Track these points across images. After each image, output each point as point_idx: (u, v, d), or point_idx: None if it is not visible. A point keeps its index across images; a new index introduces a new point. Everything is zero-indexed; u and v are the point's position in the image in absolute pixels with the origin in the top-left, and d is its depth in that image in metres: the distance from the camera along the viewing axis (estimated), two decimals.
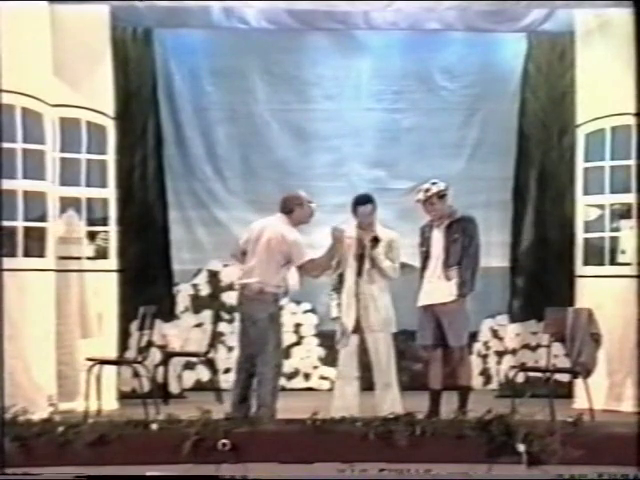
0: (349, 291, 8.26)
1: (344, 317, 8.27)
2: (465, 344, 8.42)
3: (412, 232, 8.75)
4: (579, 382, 8.57)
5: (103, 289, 9.22)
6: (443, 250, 8.29)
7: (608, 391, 8.80)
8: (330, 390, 8.79)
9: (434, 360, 8.40)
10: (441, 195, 8.35)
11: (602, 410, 8.37)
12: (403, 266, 8.43)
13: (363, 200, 8.34)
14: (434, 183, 8.37)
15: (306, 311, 10.47)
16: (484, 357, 10.36)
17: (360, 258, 8.26)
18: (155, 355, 9.73)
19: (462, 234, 8.28)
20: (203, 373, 10.12)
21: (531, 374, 9.23)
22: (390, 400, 8.04)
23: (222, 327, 10.26)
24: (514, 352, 10.23)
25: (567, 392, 8.96)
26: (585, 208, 9.32)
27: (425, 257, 8.42)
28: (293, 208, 7.79)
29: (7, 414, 7.07)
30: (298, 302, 10.41)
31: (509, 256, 10.37)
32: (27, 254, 8.23)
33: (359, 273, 8.25)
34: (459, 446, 6.74)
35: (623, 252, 8.97)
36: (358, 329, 8.24)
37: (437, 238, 8.36)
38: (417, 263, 8.58)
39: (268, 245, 7.62)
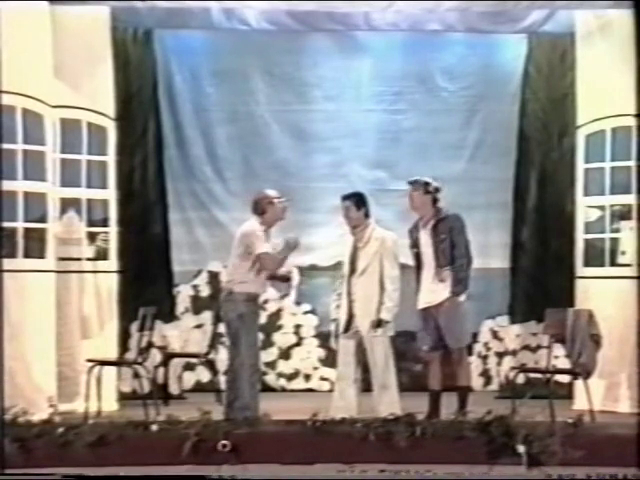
0: (342, 291, 8.29)
1: (339, 317, 8.29)
2: (465, 345, 8.41)
3: None
4: (579, 383, 8.56)
5: (103, 290, 9.22)
6: (432, 252, 8.25)
7: (606, 392, 8.80)
8: (330, 391, 8.78)
9: (433, 361, 8.39)
10: (427, 190, 8.33)
11: (600, 411, 8.36)
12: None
13: (343, 197, 8.36)
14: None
15: (306, 312, 10.47)
16: (484, 358, 10.36)
17: (353, 258, 8.26)
18: (155, 356, 9.73)
19: (449, 233, 8.23)
20: (203, 374, 10.12)
21: (531, 375, 9.25)
22: (387, 402, 8.01)
23: (222, 328, 10.20)
24: (514, 353, 10.23)
25: (567, 393, 8.96)
26: (585, 209, 9.31)
27: (417, 259, 8.40)
28: (265, 208, 7.89)
29: (7, 415, 7.09)
30: (298, 303, 10.42)
31: (509, 257, 10.36)
32: (27, 255, 8.23)
33: (352, 273, 8.26)
34: (459, 447, 6.75)
35: (623, 253, 8.96)
36: (349, 329, 8.24)
37: (425, 240, 8.32)
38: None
39: (235, 246, 7.82)
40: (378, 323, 8.13)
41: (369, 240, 8.25)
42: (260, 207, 7.90)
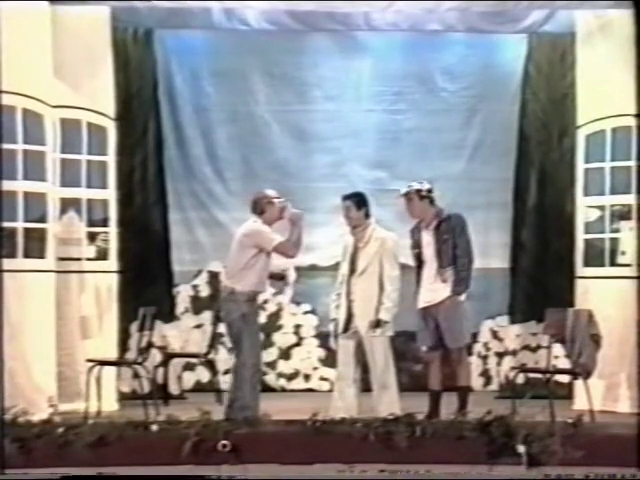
0: (341, 291, 8.30)
1: (339, 317, 8.30)
2: (464, 345, 8.42)
3: None
4: (579, 383, 8.56)
5: (103, 290, 9.22)
6: (435, 252, 8.26)
7: (606, 392, 8.80)
8: (330, 391, 8.78)
9: (433, 361, 8.39)
10: (422, 196, 8.33)
11: (600, 411, 8.36)
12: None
13: (344, 197, 8.38)
14: (420, 183, 8.38)
15: (306, 312, 10.46)
16: (484, 358, 10.35)
17: (353, 258, 8.27)
18: (155, 356, 9.72)
19: (451, 233, 8.24)
20: (203, 374, 10.12)
21: (531, 375, 9.23)
22: (387, 401, 8.01)
23: (222, 328, 10.19)
24: (514, 353, 10.23)
25: (567, 393, 8.96)
26: (585, 209, 9.31)
27: (418, 259, 8.40)
28: (264, 208, 7.90)
29: (7, 415, 7.09)
30: (298, 303, 10.42)
31: (509, 257, 10.36)
32: (27, 255, 8.24)
33: (352, 273, 8.26)
34: (459, 447, 6.75)
35: (623, 253, 8.96)
36: (349, 329, 8.24)
37: (427, 240, 8.33)
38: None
39: (235, 246, 7.82)
40: (377, 323, 8.14)
41: (369, 240, 8.26)
42: (259, 207, 7.91)
